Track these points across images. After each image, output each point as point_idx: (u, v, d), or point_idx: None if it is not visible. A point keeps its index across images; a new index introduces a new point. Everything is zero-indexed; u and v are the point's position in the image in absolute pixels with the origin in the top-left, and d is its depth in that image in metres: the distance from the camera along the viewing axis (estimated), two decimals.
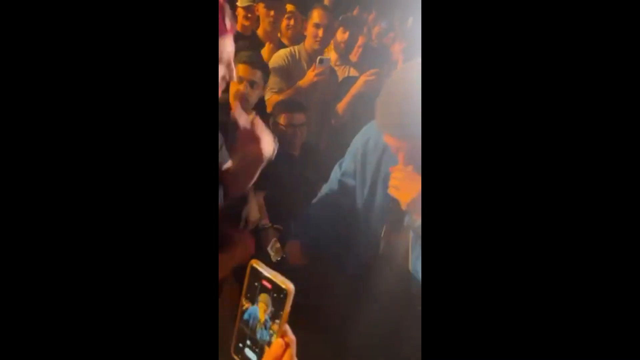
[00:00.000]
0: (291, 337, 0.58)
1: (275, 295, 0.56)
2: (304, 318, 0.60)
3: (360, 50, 2.43)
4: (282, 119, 1.91)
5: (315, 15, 2.23)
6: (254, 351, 0.60)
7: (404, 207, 1.11)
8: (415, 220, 1.14)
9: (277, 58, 2.23)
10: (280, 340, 0.57)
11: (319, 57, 2.06)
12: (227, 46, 0.83)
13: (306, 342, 0.60)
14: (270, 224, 1.76)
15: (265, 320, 0.58)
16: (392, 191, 1.12)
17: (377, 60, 2.47)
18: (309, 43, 2.27)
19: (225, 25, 0.81)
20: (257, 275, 0.58)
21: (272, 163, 1.08)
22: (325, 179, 1.55)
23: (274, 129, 1.92)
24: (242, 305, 0.60)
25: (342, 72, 2.44)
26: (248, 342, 0.60)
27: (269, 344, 0.58)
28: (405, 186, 1.08)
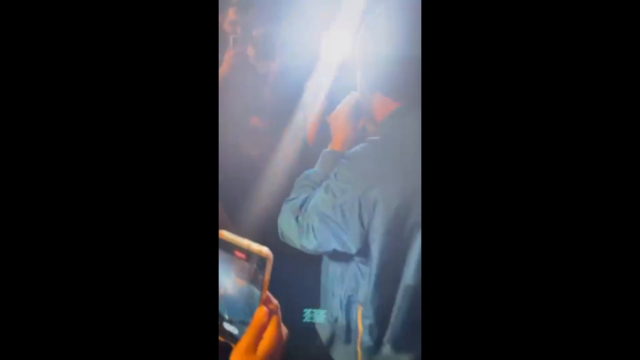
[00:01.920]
0: (275, 302, 0.54)
1: (252, 264, 0.51)
2: None
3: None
4: None
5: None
6: (234, 324, 0.55)
7: None
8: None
9: None
10: (263, 308, 0.52)
11: (232, 37, 1.97)
12: None
13: None
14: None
15: (242, 291, 0.53)
16: None
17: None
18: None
19: None
20: (227, 247, 0.53)
21: None
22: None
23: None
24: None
25: (262, 67, 2.41)
26: (226, 316, 0.56)
27: (251, 314, 0.53)
28: None
